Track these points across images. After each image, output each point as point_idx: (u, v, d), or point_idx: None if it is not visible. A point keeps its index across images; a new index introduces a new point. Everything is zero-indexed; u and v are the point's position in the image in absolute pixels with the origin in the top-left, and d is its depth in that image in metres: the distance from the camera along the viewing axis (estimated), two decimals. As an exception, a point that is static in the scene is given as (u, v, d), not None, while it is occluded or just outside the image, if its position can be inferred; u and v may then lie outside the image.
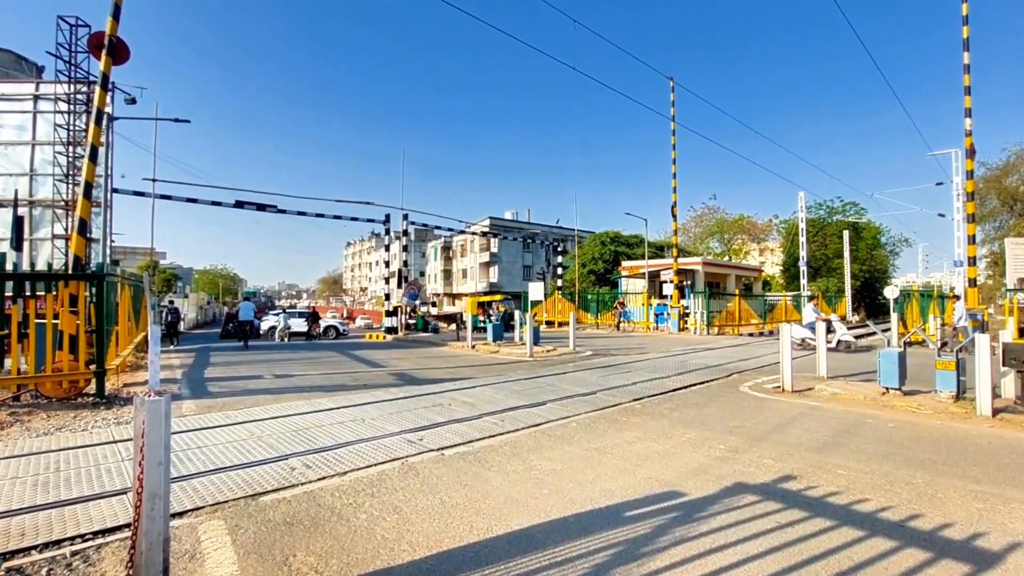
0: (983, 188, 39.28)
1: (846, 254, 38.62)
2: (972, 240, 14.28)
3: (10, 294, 8.23)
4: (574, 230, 46.23)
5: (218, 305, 56.02)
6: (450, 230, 33.97)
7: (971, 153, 13.87)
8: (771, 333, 26.07)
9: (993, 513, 3.86)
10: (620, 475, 4.69)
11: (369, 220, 28.56)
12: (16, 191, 17.28)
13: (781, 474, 4.73)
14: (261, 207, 22.84)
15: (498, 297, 32.40)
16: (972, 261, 14.14)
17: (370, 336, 25.72)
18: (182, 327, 29.41)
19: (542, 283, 33.51)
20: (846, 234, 39.25)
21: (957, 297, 12.34)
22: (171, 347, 18.59)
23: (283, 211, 23.55)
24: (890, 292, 22.06)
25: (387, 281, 27.42)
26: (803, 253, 35.73)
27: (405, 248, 28.78)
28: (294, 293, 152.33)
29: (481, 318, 27.73)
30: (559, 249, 36.94)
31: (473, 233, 40.75)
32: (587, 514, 3.82)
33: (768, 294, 36.83)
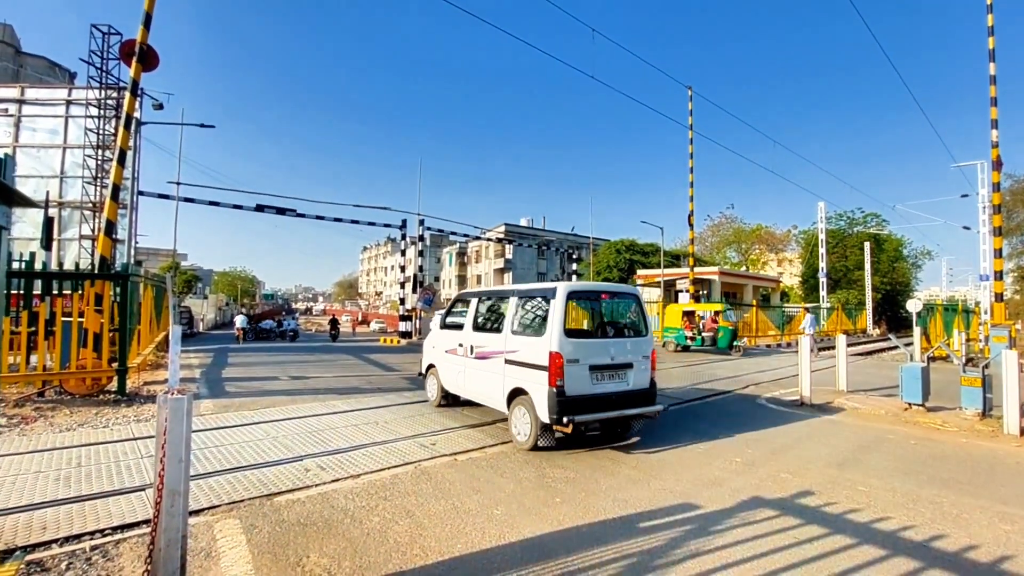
0: (1010, 200, 38.23)
1: (867, 266, 37.90)
2: (998, 254, 13.91)
3: (38, 292, 8.46)
4: (589, 238, 46.11)
5: (236, 306, 56.90)
6: (465, 236, 34.20)
7: (998, 165, 13.55)
8: (789, 345, 25.62)
9: (1021, 535, 3.73)
10: (634, 485, 4.64)
11: (386, 225, 28.71)
12: (48, 192, 17.82)
13: (799, 489, 4.63)
14: (281, 211, 23.18)
15: (719, 306, 20.10)
16: (999, 275, 13.77)
17: (384, 340, 25.87)
18: (201, 328, 30.05)
19: (556, 290, 33.34)
20: (867, 245, 38.53)
21: (807, 309, 13.03)
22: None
23: (302, 215, 23.89)
24: (913, 305, 21.39)
25: (402, 286, 27.57)
26: (822, 264, 35.14)
27: (421, 253, 28.97)
28: (310, 296, 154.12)
29: (688, 333, 19.32)
30: (574, 256, 36.86)
31: (488, 239, 40.87)
32: (600, 524, 3.78)
33: (786, 305, 36.24)
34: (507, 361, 6.22)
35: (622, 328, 6.75)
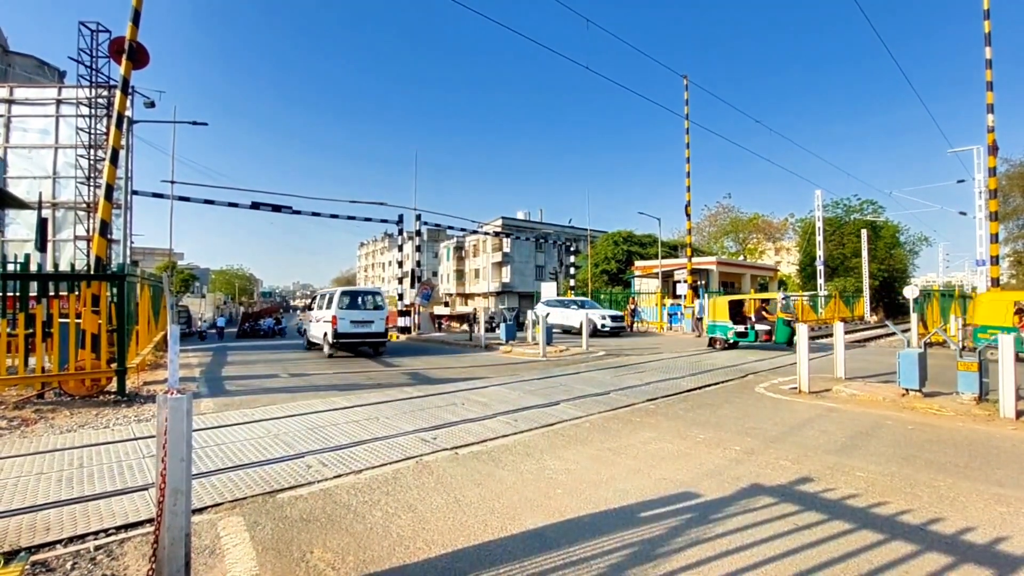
0: (1006, 185, 38.33)
1: (864, 253, 37.96)
2: (994, 239, 13.96)
3: (35, 294, 8.43)
4: (587, 230, 46.06)
5: (235, 305, 56.80)
6: (463, 230, 34.02)
7: (994, 149, 13.57)
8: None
9: (1017, 516, 3.77)
10: (634, 476, 4.67)
11: (382, 220, 28.62)
12: (40, 193, 17.66)
13: (798, 476, 4.67)
14: (276, 208, 23.06)
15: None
16: (995, 260, 13.84)
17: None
18: (199, 326, 30.08)
19: (555, 283, 33.44)
20: (864, 233, 38.56)
21: (696, 295, 14.80)
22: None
23: (298, 212, 23.74)
24: (909, 292, 21.44)
25: (400, 281, 27.54)
26: (820, 252, 35.22)
27: (418, 248, 28.90)
28: (308, 293, 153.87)
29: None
30: (572, 249, 36.83)
31: (486, 233, 40.84)
32: (601, 514, 3.81)
33: (784, 294, 36.30)
34: (324, 321, 14.58)
35: (372, 307, 15.08)
